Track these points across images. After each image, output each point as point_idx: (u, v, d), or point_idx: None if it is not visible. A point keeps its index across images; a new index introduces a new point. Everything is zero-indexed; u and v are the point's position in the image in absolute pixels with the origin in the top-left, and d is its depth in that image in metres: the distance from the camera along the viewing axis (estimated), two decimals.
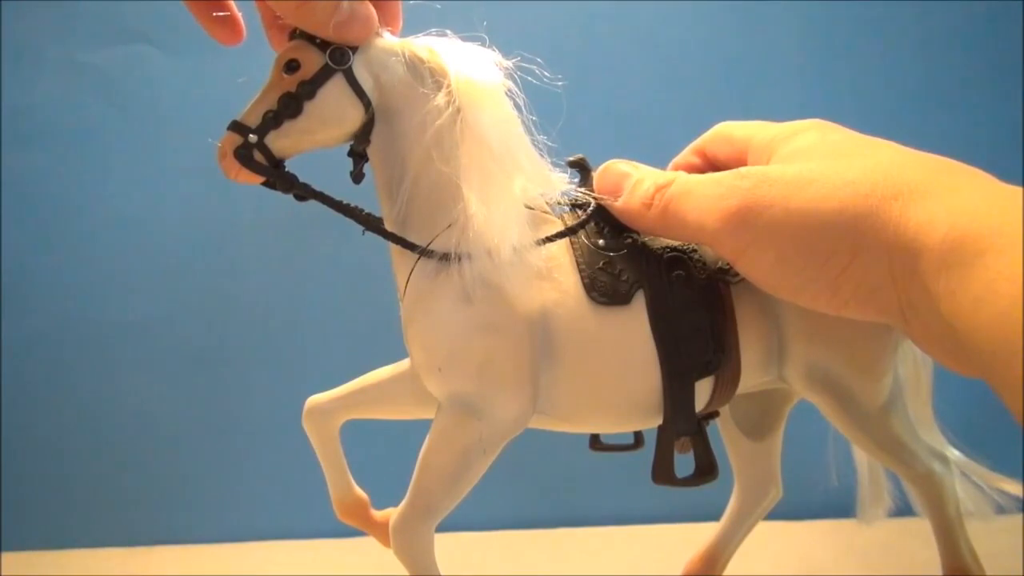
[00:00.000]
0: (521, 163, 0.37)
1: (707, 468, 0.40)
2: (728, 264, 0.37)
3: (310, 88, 0.36)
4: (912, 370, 0.43)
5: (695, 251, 0.39)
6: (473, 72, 0.37)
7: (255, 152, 0.37)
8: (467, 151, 0.37)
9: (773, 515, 0.49)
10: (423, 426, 0.39)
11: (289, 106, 0.36)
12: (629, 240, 0.39)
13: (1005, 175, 0.30)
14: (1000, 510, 0.44)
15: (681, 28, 0.76)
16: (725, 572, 0.49)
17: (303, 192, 0.38)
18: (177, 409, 0.77)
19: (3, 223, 0.75)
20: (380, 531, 0.44)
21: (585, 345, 0.37)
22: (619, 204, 0.38)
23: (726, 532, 0.49)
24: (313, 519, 0.66)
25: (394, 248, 0.39)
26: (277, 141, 0.37)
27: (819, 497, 0.52)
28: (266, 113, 0.37)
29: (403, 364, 0.42)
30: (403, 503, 0.39)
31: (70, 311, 0.76)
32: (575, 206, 0.40)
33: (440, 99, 0.37)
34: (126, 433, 0.77)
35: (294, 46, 0.37)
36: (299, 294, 0.77)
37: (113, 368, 0.77)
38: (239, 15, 0.42)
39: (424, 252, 0.38)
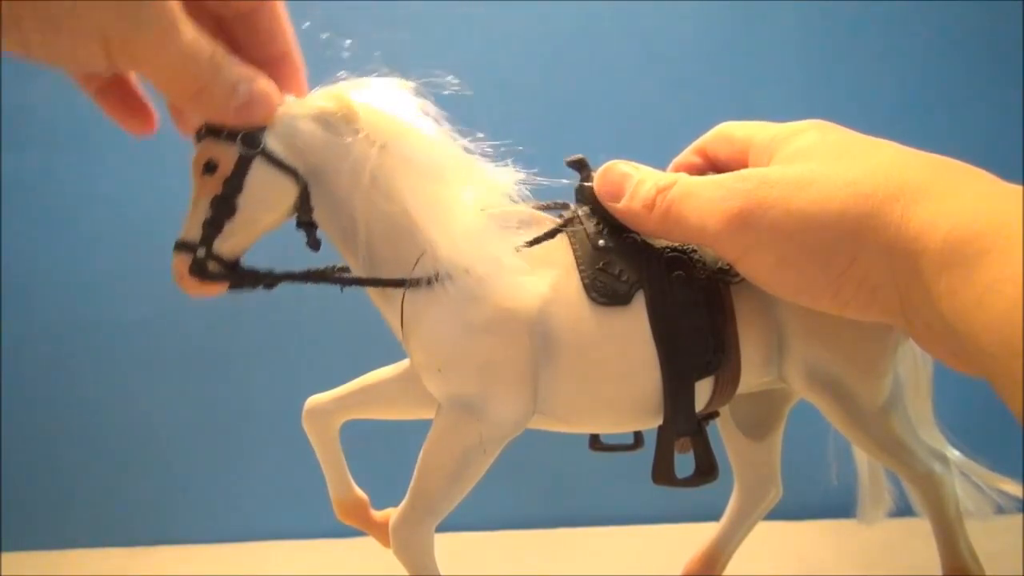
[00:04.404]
0: (462, 175, 0.37)
1: (707, 468, 0.40)
2: (728, 264, 0.37)
3: (235, 182, 0.36)
4: (912, 370, 0.43)
5: (695, 251, 0.39)
6: (383, 105, 0.37)
7: (209, 263, 0.36)
8: (405, 183, 0.37)
9: (773, 515, 0.49)
10: (423, 426, 0.39)
11: (222, 208, 0.36)
12: (629, 240, 0.39)
13: (1005, 175, 0.30)
14: (1000, 510, 0.44)
15: (681, 28, 0.76)
16: (725, 572, 0.49)
17: (271, 280, 0.38)
18: (177, 409, 0.77)
19: (3, 223, 0.75)
20: (380, 531, 0.44)
21: (585, 345, 0.37)
22: (620, 206, 0.38)
23: (726, 532, 0.49)
24: (313, 519, 0.66)
25: (374, 293, 0.39)
26: (224, 244, 0.36)
27: (819, 497, 0.52)
28: (204, 223, 0.36)
29: (403, 364, 0.42)
30: (403, 503, 0.39)
31: (70, 311, 0.76)
32: (576, 204, 0.40)
33: (361, 143, 0.37)
34: (126, 433, 0.77)
35: (204, 147, 0.36)
36: (299, 294, 0.76)
37: (113, 368, 0.76)
38: (150, 104, 0.39)
39: (410, 284, 0.37)
